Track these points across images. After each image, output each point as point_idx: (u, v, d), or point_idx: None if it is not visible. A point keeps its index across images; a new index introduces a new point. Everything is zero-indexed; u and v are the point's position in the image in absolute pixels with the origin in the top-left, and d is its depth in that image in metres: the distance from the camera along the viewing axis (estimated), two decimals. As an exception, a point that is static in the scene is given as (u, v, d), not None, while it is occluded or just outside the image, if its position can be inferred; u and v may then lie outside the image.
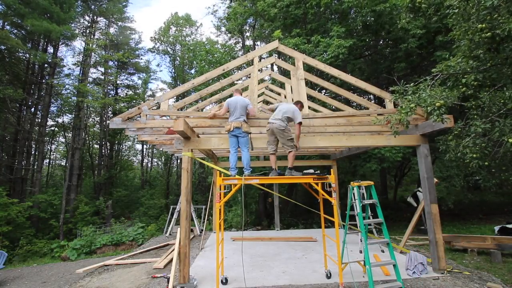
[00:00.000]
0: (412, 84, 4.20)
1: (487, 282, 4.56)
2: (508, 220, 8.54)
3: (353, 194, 4.60)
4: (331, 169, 8.02)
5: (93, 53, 22.56)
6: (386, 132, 6.00)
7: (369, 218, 6.19)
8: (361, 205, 4.45)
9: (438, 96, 3.77)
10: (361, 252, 6.24)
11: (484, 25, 3.51)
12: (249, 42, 17.32)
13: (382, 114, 5.30)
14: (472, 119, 4.23)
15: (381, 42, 11.80)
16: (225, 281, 4.65)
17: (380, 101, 10.76)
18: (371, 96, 12.74)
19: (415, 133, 5.37)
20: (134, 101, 24.63)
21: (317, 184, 4.48)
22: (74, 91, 21.65)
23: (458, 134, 4.43)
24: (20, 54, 19.37)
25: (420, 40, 9.47)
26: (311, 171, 4.75)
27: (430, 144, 5.45)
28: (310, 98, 8.26)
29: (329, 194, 4.43)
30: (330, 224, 9.31)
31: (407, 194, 13.03)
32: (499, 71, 4.03)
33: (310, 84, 9.62)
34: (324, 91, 11.94)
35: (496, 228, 7.52)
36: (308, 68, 8.56)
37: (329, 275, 4.75)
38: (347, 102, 10.92)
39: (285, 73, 10.41)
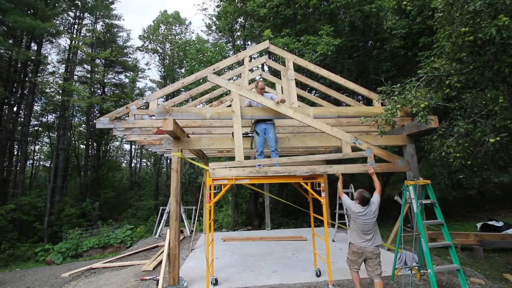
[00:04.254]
0: (398, 85, 4.30)
1: (470, 277, 4.72)
2: (489, 217, 8.87)
3: (408, 193, 4.35)
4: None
5: (79, 51, 21.97)
6: (374, 132, 6.12)
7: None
8: (418, 204, 4.18)
9: (423, 97, 3.88)
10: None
11: (467, 29, 3.62)
12: (239, 42, 17.28)
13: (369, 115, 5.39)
14: (455, 120, 4.37)
15: (369, 44, 12.04)
16: (215, 282, 4.63)
17: (368, 102, 10.96)
18: (360, 97, 12.97)
19: (402, 134, 5.50)
20: (122, 100, 24.15)
21: (306, 184, 4.52)
22: (59, 89, 21.01)
23: (442, 134, 4.56)
24: (2, 50, 18.65)
25: (404, 40, 9.72)
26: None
27: (416, 144, 5.59)
28: (300, 98, 8.31)
29: (319, 193, 4.48)
30: (320, 224, 9.42)
31: (394, 193, 13.33)
32: (481, 74, 4.18)
33: (300, 85, 9.70)
34: (314, 91, 12.06)
35: (478, 224, 7.78)
36: (298, 68, 8.62)
37: (319, 274, 4.80)
38: (336, 102, 11.07)
39: (276, 73, 10.44)
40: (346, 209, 6.63)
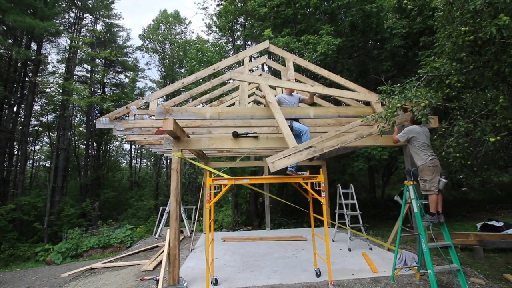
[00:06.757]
0: (398, 85, 4.30)
1: (470, 277, 4.71)
2: (489, 217, 8.87)
3: (408, 193, 4.31)
4: (321, 169, 8.11)
5: (79, 51, 21.97)
6: (374, 132, 6.10)
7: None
8: (418, 204, 4.15)
9: (423, 97, 3.87)
10: (350, 250, 6.33)
11: (467, 28, 3.62)
12: (239, 42, 17.29)
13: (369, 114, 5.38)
14: (455, 120, 4.37)
15: (369, 44, 12.04)
16: (215, 282, 4.62)
17: (368, 102, 10.93)
18: (360, 97, 13.02)
19: (402, 133, 5.48)
20: (122, 100, 24.16)
21: (306, 184, 4.51)
22: (59, 89, 21.01)
23: (442, 134, 4.56)
24: (1, 50, 18.64)
25: (405, 39, 9.71)
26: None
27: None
28: (300, 98, 8.31)
29: (319, 193, 4.47)
30: (320, 224, 9.41)
31: (394, 193, 13.33)
32: (481, 74, 4.18)
33: (300, 85, 9.69)
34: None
35: (478, 224, 7.78)
36: (298, 68, 8.61)
37: (319, 274, 4.80)
38: (336, 102, 11.08)
39: (276, 73, 10.45)
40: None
